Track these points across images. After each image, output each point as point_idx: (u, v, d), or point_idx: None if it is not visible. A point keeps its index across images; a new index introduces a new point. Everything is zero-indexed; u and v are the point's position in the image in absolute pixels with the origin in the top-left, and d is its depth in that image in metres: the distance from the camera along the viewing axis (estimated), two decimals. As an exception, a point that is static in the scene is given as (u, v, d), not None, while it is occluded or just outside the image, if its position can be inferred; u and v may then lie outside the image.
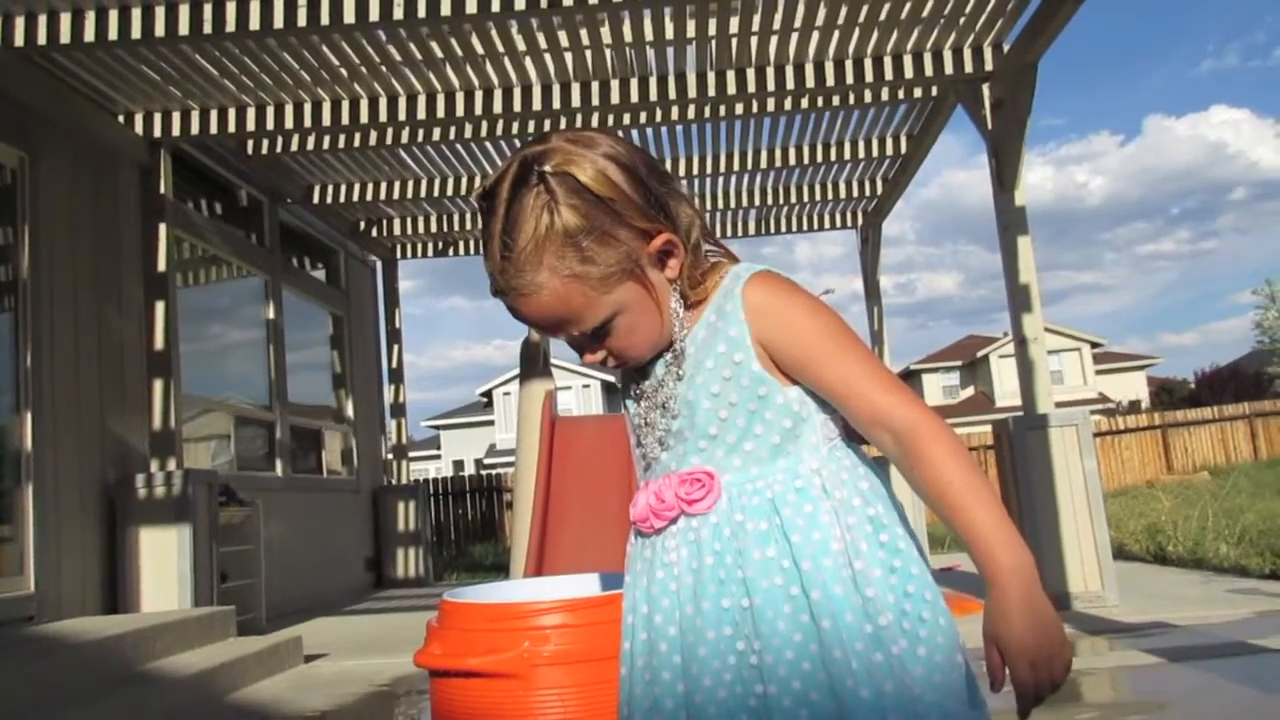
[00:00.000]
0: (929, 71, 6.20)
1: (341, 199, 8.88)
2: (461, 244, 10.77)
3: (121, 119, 6.30)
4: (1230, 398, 27.54)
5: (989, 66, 6.12)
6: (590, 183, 1.12)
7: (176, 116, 6.38)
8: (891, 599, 1.11)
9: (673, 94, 6.39)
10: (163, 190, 6.40)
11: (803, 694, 1.07)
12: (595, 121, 6.71)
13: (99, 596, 5.60)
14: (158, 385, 6.16)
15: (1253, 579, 6.20)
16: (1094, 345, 39.46)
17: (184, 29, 5.07)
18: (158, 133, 6.37)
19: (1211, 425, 20.87)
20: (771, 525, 1.13)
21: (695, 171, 8.67)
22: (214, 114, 6.40)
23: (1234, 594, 5.67)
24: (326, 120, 6.46)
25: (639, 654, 1.20)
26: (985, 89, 6.28)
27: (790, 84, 6.29)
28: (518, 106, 6.41)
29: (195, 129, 6.40)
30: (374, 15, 5.01)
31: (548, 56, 6.06)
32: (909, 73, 6.21)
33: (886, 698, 1.06)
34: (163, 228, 6.32)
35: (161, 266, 6.27)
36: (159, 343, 6.20)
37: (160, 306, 6.22)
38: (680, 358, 1.21)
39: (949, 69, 6.17)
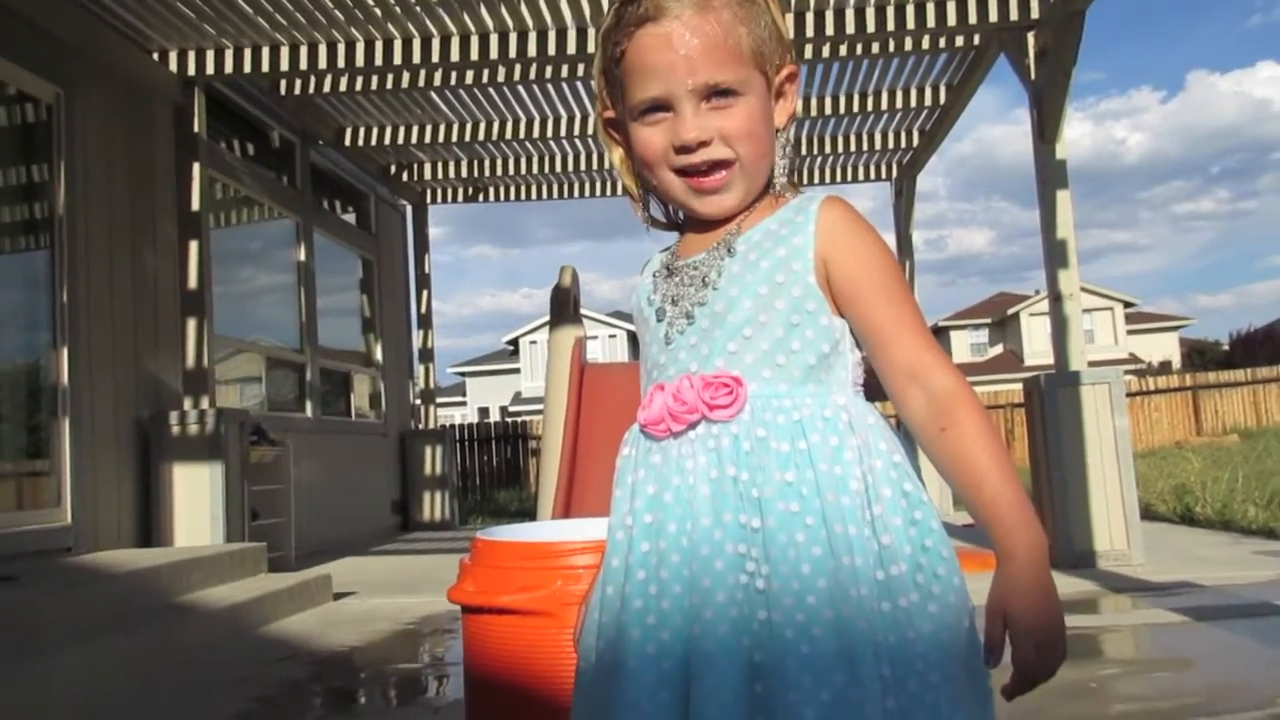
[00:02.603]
0: (972, 18, 6.06)
1: (373, 142, 8.87)
2: (491, 190, 10.74)
3: (156, 56, 6.29)
4: (1264, 360, 27.13)
5: (1034, 14, 5.97)
6: None
7: (210, 55, 6.36)
8: (908, 550, 1.07)
9: (708, 39, 6.28)
10: (196, 129, 6.41)
11: (805, 628, 1.03)
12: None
13: (133, 530, 5.71)
14: (191, 324, 6.22)
15: (1281, 541, 6.17)
16: (1127, 305, 39.01)
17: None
18: (192, 71, 6.36)
19: (1244, 388, 20.61)
20: (795, 449, 1.09)
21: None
22: (247, 53, 6.37)
23: (1261, 555, 5.64)
24: (359, 61, 6.42)
25: (639, 567, 1.12)
26: (1030, 37, 6.14)
27: (829, 30, 6.17)
28: (551, 50, 6.34)
29: (229, 68, 6.39)
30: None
31: (583, -1, 5.98)
32: (951, 19, 6.07)
33: (884, 648, 1.03)
34: (196, 166, 6.34)
35: (195, 206, 6.30)
36: (192, 282, 6.25)
37: (194, 246, 6.26)
38: (733, 245, 1.17)
39: (993, 16, 6.02)
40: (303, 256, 8.45)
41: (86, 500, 5.33)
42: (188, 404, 6.10)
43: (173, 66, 6.33)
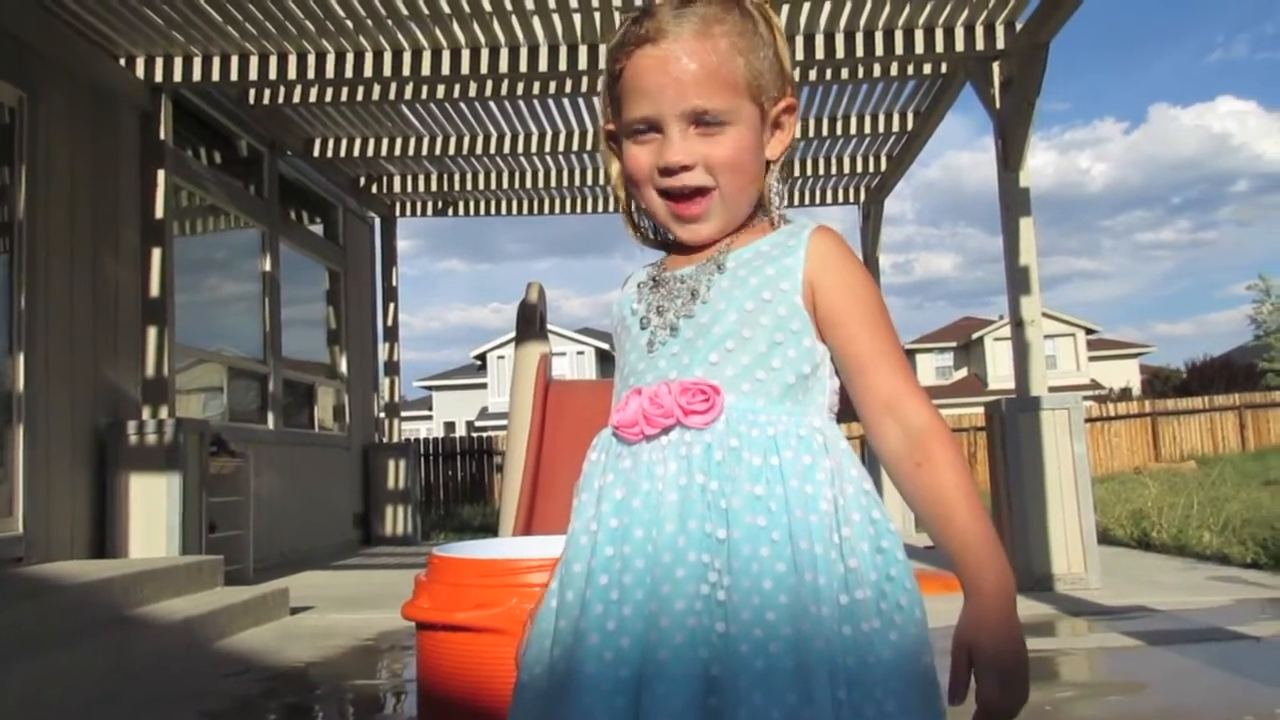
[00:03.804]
0: (940, 47, 6.15)
1: (342, 153, 8.82)
2: (461, 204, 10.72)
3: (123, 62, 6.23)
4: (1220, 389, 27.64)
5: (1000, 45, 6.07)
6: (776, 22, 1.21)
7: (178, 62, 6.31)
8: (874, 576, 1.08)
9: (680, 60, 6.32)
10: (163, 136, 6.35)
11: (762, 643, 1.02)
12: (600, 85, 6.66)
13: (87, 541, 5.61)
14: (152, 333, 6.14)
15: (1234, 567, 6.25)
16: (1089, 332, 39.55)
17: (188, -27, 5.01)
18: (159, 78, 6.30)
19: (1201, 415, 20.97)
20: (766, 463, 1.09)
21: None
22: (216, 61, 6.33)
23: (1215, 581, 5.72)
24: (330, 72, 6.39)
25: (602, 572, 1.10)
26: (995, 67, 6.24)
27: (800, 54, 6.24)
28: (523, 66, 6.35)
29: (197, 75, 6.34)
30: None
31: (555, 17, 6.00)
32: (920, 48, 6.16)
33: (842, 671, 1.03)
34: (161, 174, 6.28)
35: (159, 213, 6.23)
36: (154, 290, 6.18)
37: (157, 254, 6.19)
38: (724, 262, 1.18)
39: (960, 45, 6.12)
40: (268, 267, 8.39)
41: (39, 510, 5.24)
42: (146, 413, 6.01)
43: (140, 73, 6.27)
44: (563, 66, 6.33)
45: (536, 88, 7.21)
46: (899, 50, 6.19)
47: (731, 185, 1.17)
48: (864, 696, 1.03)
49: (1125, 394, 34.33)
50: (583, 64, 6.32)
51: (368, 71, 6.39)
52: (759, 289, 1.14)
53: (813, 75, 6.98)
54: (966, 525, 1.07)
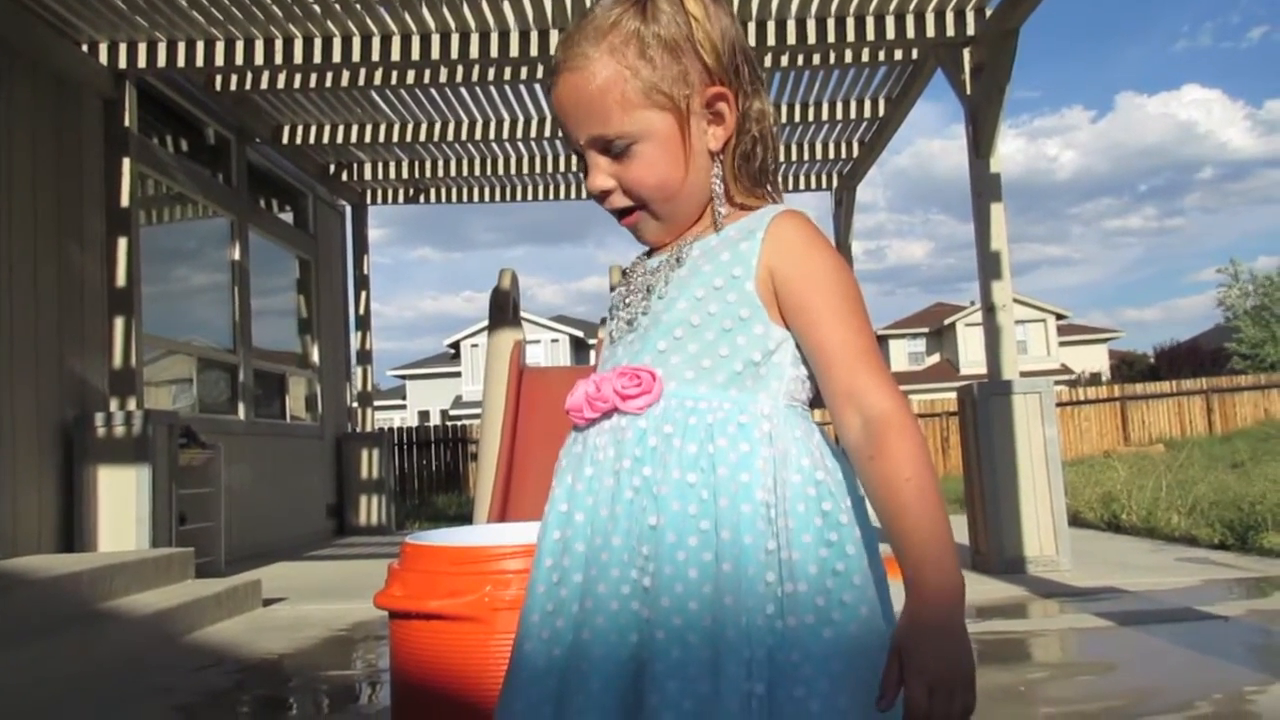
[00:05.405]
0: (910, 33, 6.15)
1: (311, 140, 8.73)
2: (433, 191, 10.65)
3: (85, 48, 6.12)
4: (1188, 373, 27.99)
5: (970, 31, 6.09)
6: (692, 7, 1.14)
7: (142, 48, 6.21)
8: (813, 570, 1.04)
9: (652, 46, 6.29)
10: (127, 123, 6.25)
11: (680, 631, 1.01)
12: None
13: (55, 535, 5.54)
14: (118, 324, 6.06)
15: (1202, 548, 6.34)
16: (1059, 317, 39.89)
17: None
18: (123, 64, 6.20)
19: (1169, 399, 21.21)
20: (701, 451, 1.07)
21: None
22: (181, 46, 6.23)
23: (1184, 562, 5.79)
24: (298, 58, 6.31)
25: (547, 554, 1.13)
26: (965, 54, 6.25)
27: (771, 40, 6.23)
28: (494, 52, 6.30)
29: (161, 61, 6.24)
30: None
31: (526, 2, 5.95)
32: (890, 33, 6.17)
33: (761, 665, 1.01)
34: (126, 162, 6.18)
35: (124, 202, 6.14)
36: (120, 280, 6.09)
37: (122, 243, 6.10)
38: (684, 254, 1.17)
39: (930, 31, 6.13)
40: (237, 256, 8.29)
41: (5, 504, 5.16)
42: (114, 405, 5.93)
43: (103, 59, 6.17)
44: (534, 51, 6.28)
45: (508, 73, 7.16)
46: (870, 36, 6.19)
47: (653, 199, 1.16)
48: (784, 694, 1.00)
49: (1095, 379, 34.68)
50: (554, 49, 6.25)
51: (336, 57, 6.31)
52: (711, 276, 1.13)
53: (784, 61, 6.97)
54: (915, 524, 1.02)
